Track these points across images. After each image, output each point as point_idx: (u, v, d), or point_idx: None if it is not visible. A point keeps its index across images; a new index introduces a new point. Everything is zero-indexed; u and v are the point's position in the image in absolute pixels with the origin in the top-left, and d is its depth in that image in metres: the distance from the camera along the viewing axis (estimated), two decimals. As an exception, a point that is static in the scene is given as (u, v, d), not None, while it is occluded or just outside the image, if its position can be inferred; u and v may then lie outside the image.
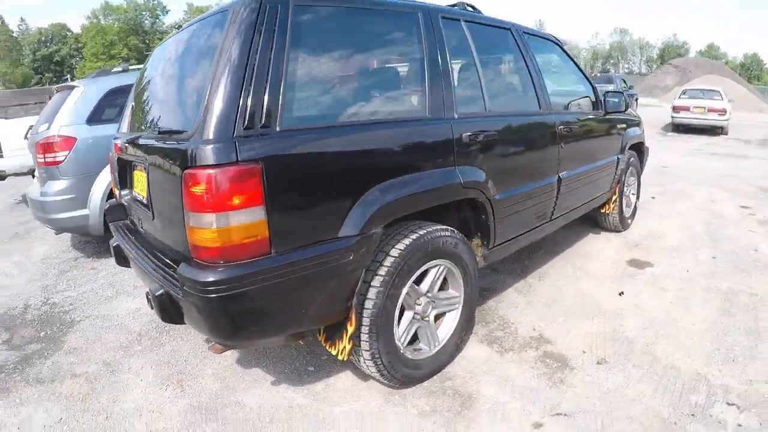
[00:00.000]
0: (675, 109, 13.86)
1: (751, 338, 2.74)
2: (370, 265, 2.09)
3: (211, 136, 1.66)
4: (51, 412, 2.36)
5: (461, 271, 2.49)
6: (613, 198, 4.23)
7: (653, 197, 5.96)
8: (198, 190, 1.66)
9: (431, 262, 2.33)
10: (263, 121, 1.73)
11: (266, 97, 1.74)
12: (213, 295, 1.67)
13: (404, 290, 2.21)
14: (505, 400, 2.30)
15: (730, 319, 2.95)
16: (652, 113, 18.68)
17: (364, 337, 2.10)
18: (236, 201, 1.65)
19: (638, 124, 4.63)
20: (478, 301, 3.27)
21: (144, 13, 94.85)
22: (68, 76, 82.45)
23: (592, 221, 4.54)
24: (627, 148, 4.23)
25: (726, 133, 13.31)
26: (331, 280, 1.94)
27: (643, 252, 4.10)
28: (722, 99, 13.57)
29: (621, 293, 3.34)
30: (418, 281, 2.34)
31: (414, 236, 2.21)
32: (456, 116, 2.40)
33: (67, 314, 3.41)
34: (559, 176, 3.15)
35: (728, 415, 2.14)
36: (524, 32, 3.18)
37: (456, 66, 2.52)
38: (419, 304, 2.35)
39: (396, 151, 2.15)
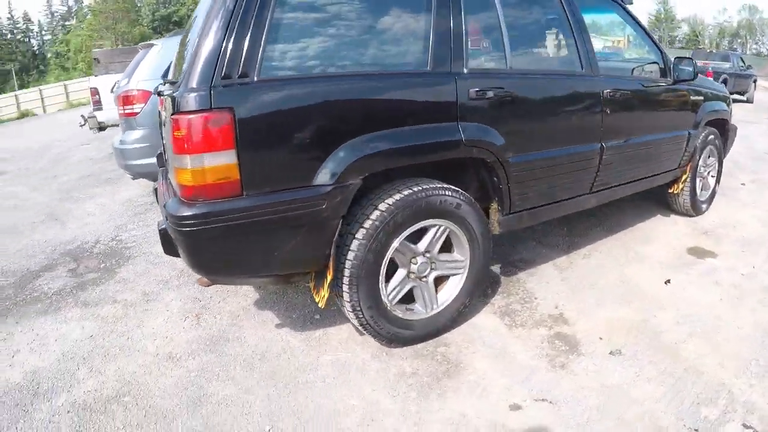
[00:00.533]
0: None
1: None
2: (358, 216, 2.12)
3: (193, 85, 1.78)
4: (85, 330, 2.69)
5: (466, 234, 2.41)
6: (684, 177, 3.77)
7: (743, 183, 5.23)
8: (179, 134, 1.79)
9: (427, 221, 2.28)
10: (241, 71, 1.81)
11: (245, 48, 1.82)
12: (186, 229, 1.83)
13: (392, 246, 2.19)
14: (493, 376, 2.21)
15: None
16: (768, 97, 16.35)
17: (345, 287, 2.13)
18: (209, 144, 1.76)
19: (723, 99, 4.07)
20: (510, 270, 3.18)
21: None
22: None
23: (662, 201, 4.10)
24: (704, 123, 3.73)
25: None
26: (303, 226, 1.98)
27: (711, 241, 3.64)
28: None
29: (667, 281, 3.02)
30: (416, 240, 2.30)
31: (406, 192, 2.17)
32: (465, 71, 2.28)
33: (128, 250, 3.81)
34: (602, 144, 2.86)
35: (739, 438, 1.84)
36: None
37: (473, 16, 2.37)
38: (415, 263, 2.32)
39: (382, 104, 2.11)
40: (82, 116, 7.43)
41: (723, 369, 2.23)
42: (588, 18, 2.93)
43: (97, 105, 7.17)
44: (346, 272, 2.10)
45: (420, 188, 2.20)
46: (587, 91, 2.77)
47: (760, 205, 4.48)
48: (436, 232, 2.33)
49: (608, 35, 6.96)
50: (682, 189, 3.82)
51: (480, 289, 2.66)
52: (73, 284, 3.28)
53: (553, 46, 2.87)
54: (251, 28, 1.83)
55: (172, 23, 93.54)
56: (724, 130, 4.18)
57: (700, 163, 3.90)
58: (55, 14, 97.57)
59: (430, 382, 2.17)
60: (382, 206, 2.12)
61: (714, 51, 17.59)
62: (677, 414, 1.97)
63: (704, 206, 4.10)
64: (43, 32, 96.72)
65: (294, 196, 1.92)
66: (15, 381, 2.30)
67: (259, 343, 2.47)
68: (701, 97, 3.67)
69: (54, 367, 2.38)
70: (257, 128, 1.83)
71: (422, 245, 2.32)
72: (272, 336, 2.52)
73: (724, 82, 13.50)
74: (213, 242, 1.88)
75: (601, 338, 2.48)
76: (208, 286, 2.31)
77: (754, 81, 15.81)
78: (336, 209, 2.01)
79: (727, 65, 14.45)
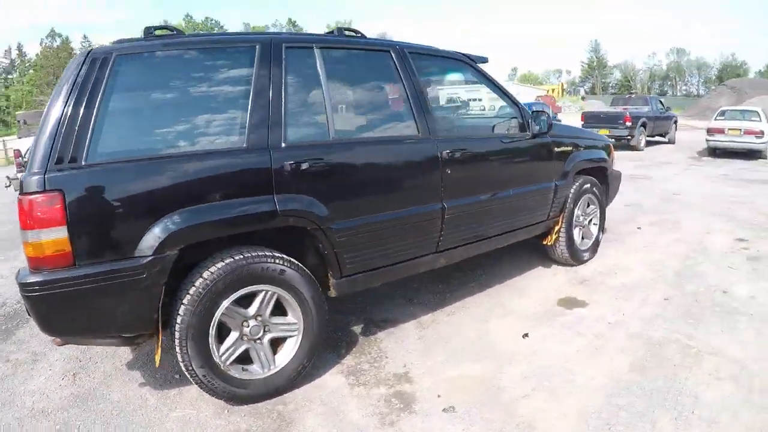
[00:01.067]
0: (709, 131, 12.54)
1: (650, 404, 2.36)
2: (185, 283, 2.25)
3: (33, 169, 2.00)
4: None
5: (295, 298, 2.46)
6: (557, 228, 3.91)
7: (639, 227, 5.47)
8: (22, 212, 1.98)
9: (252, 286, 2.34)
10: (71, 156, 2.02)
11: (74, 139, 2.03)
12: (29, 295, 2.03)
13: (219, 310, 2.27)
14: (318, 434, 2.18)
15: (639, 376, 2.59)
16: (695, 136, 17.21)
17: (177, 348, 2.24)
18: (44, 222, 1.98)
19: (602, 147, 4.30)
20: (371, 330, 3.18)
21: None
22: None
23: (543, 252, 4.23)
24: (574, 173, 3.91)
25: (765, 158, 12.02)
26: (128, 293, 2.11)
27: (586, 290, 3.74)
28: (761, 120, 12.24)
29: (525, 335, 3.07)
30: (247, 304, 2.37)
31: (228, 260, 2.27)
32: (283, 145, 2.40)
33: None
34: (443, 205, 2.95)
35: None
36: (414, 52, 3.04)
37: (296, 96, 2.53)
38: (247, 326, 2.38)
39: (197, 182, 2.22)
40: (7, 177, 7.30)
41: (559, 424, 2.24)
42: (440, 79, 3.06)
43: (20, 167, 7.12)
44: (176, 334, 2.21)
45: (241, 256, 2.29)
46: (422, 154, 2.87)
47: (652, 249, 4.66)
48: (264, 297, 2.39)
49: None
50: (556, 239, 3.95)
51: (317, 351, 2.63)
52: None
53: (385, 113, 3.01)
54: (80, 118, 2.06)
55: None
56: (604, 178, 4.38)
57: (577, 212, 4.05)
58: None
59: (259, 441, 2.14)
60: (206, 274, 2.22)
61: (634, 95, 18.55)
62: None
63: (586, 255, 4.23)
64: None
65: (118, 266, 2.07)
66: None
67: (120, 400, 2.59)
68: (569, 148, 3.86)
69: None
70: (83, 207, 2.03)
71: (252, 309, 2.39)
72: (133, 393, 2.64)
73: (643, 125, 14.28)
74: (53, 306, 2.06)
75: (439, 396, 2.49)
76: (62, 345, 2.48)
77: (675, 122, 16.70)
78: (156, 278, 2.12)
79: (646, 109, 15.22)
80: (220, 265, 2.24)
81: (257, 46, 2.45)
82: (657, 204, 6.76)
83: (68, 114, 2.04)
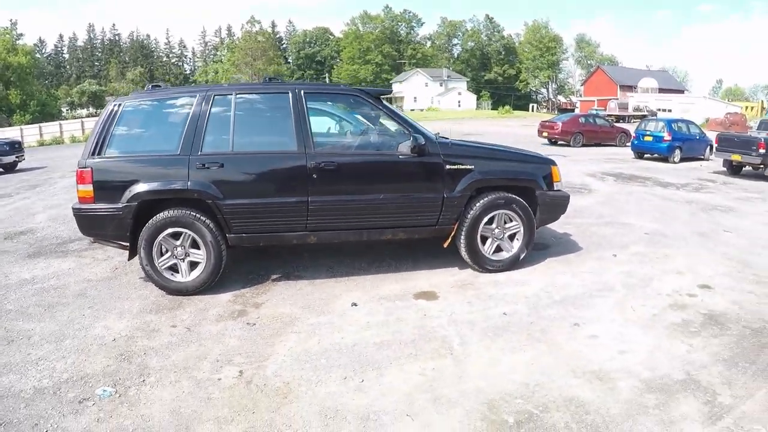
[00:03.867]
0: None
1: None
2: (146, 221, 4.49)
3: (82, 157, 4.43)
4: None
5: (202, 240, 4.49)
6: (451, 234, 4.91)
7: (614, 255, 5.70)
8: (76, 175, 4.47)
9: (178, 228, 4.48)
10: (97, 152, 4.41)
11: (99, 144, 4.43)
12: (75, 214, 4.57)
13: (159, 237, 4.46)
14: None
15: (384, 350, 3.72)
16: None
17: (139, 253, 4.54)
18: (83, 180, 4.41)
19: (529, 168, 5.17)
20: (277, 278, 5.03)
21: (400, 23, 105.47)
22: (327, 75, 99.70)
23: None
24: (473, 189, 4.83)
25: None
26: (114, 220, 4.47)
27: (456, 290, 4.67)
28: None
29: (354, 304, 4.41)
30: (177, 238, 4.53)
31: (165, 212, 4.45)
32: (199, 153, 4.40)
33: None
34: (308, 198, 4.50)
35: None
36: (310, 92, 4.69)
37: (213, 123, 4.50)
38: (176, 250, 4.55)
39: (151, 167, 4.46)
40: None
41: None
42: (337, 109, 4.74)
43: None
44: (139, 245, 4.47)
45: (174, 212, 4.44)
46: (294, 163, 4.52)
47: (579, 275, 5.11)
48: (184, 235, 4.51)
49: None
50: (450, 243, 4.96)
51: (218, 275, 4.64)
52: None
53: (276, 135, 4.68)
54: (103, 133, 4.45)
55: (315, 62, 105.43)
56: (530, 197, 5.06)
57: (488, 225, 4.94)
58: (208, 44, 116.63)
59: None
60: (153, 218, 4.44)
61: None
62: None
63: (496, 264, 5.03)
64: (196, 59, 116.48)
65: (111, 206, 4.42)
66: None
67: (121, 281, 5.13)
68: (467, 166, 4.79)
69: None
70: (100, 176, 4.41)
71: (178, 242, 4.54)
72: (128, 279, 5.10)
73: None
74: (83, 220, 4.53)
75: (257, 318, 4.21)
76: (93, 243, 5.27)
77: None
78: (127, 215, 4.39)
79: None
80: (162, 214, 4.41)
81: (197, 95, 4.53)
82: (683, 236, 6.59)
83: (98, 131, 4.43)
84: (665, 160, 17.14)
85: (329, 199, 4.62)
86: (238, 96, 4.65)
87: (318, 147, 4.60)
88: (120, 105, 4.54)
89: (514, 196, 5.01)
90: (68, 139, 38.75)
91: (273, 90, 4.83)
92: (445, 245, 5.08)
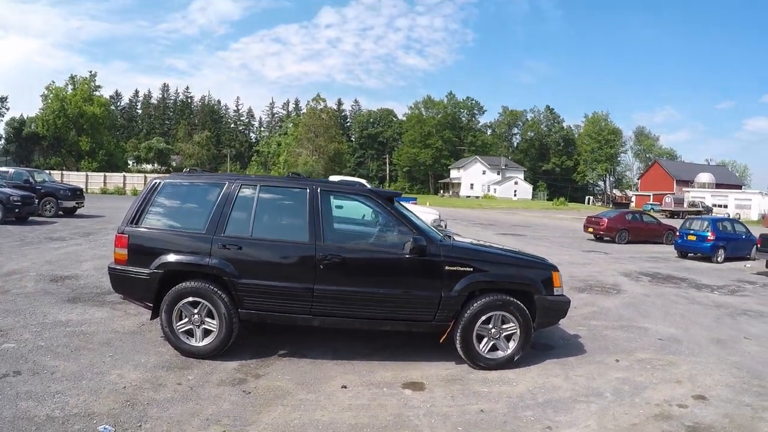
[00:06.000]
0: None
1: None
2: (168, 288, 5.26)
3: (122, 224, 5.41)
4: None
5: (216, 311, 5.18)
6: (447, 331, 5.31)
7: (617, 360, 5.88)
8: (115, 239, 5.44)
9: (196, 298, 5.21)
10: (135, 222, 5.35)
11: (137, 215, 5.38)
12: (110, 273, 5.50)
13: (179, 304, 5.20)
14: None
15: None
16: None
17: (160, 315, 5.30)
18: (119, 245, 5.36)
19: (529, 272, 5.58)
20: (282, 353, 5.56)
21: (462, 110, 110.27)
22: (387, 156, 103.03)
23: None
24: (470, 290, 5.26)
25: None
26: (143, 283, 5.29)
27: (444, 383, 5.01)
28: None
29: (344, 387, 4.85)
30: (195, 306, 5.25)
31: (186, 282, 5.21)
32: (222, 236, 5.20)
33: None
34: (314, 286, 5.11)
35: None
36: (326, 190, 5.46)
37: (237, 210, 5.31)
38: (194, 317, 5.26)
39: (179, 241, 5.31)
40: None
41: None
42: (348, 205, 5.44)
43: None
44: (161, 308, 5.21)
45: (194, 282, 5.19)
46: (304, 253, 5.20)
47: (572, 379, 5.31)
48: (201, 305, 5.22)
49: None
50: (445, 339, 5.35)
51: (228, 344, 5.27)
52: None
53: (291, 225, 5.45)
54: (141, 207, 5.37)
55: (377, 142, 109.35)
56: (530, 300, 5.44)
57: (485, 325, 5.33)
58: (275, 115, 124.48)
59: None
60: (176, 286, 5.20)
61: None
62: None
63: (489, 362, 5.35)
64: (261, 128, 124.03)
65: (140, 270, 5.24)
66: None
67: (145, 335, 5.86)
68: (466, 268, 5.28)
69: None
70: (134, 243, 5.30)
71: (196, 310, 5.26)
72: (152, 335, 5.69)
73: None
74: (116, 279, 5.44)
75: (251, 388, 4.75)
76: (123, 299, 5.92)
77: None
78: (154, 280, 5.19)
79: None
80: (183, 284, 5.17)
81: (226, 182, 5.41)
82: (698, 342, 6.69)
83: (139, 203, 5.34)
84: (708, 259, 17.03)
85: (333, 288, 5.23)
86: (262, 187, 5.52)
87: (327, 240, 5.28)
88: (161, 182, 5.51)
89: (511, 298, 5.42)
90: (130, 191, 41.99)
91: (293, 185, 5.68)
92: (441, 341, 5.49)
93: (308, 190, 5.44)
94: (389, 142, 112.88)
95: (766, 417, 4.70)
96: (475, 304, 5.35)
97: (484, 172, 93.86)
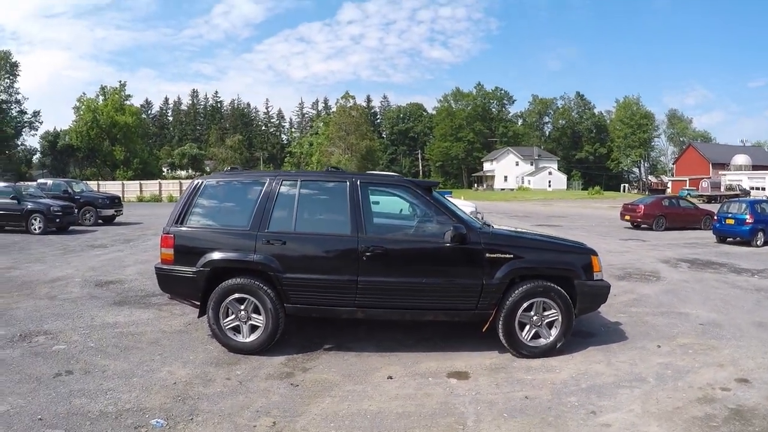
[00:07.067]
0: None
1: None
2: (215, 286, 5.42)
3: (167, 225, 5.61)
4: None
5: (263, 307, 5.35)
6: (490, 319, 5.36)
7: (659, 346, 5.82)
8: (161, 239, 5.66)
9: (243, 294, 5.38)
10: (180, 221, 5.55)
11: (183, 215, 5.56)
12: (157, 273, 5.73)
13: (225, 301, 5.38)
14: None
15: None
16: None
17: (207, 313, 5.46)
18: (166, 245, 5.57)
19: (567, 257, 5.63)
20: (328, 347, 5.66)
21: (492, 101, 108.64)
22: (419, 151, 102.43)
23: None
24: (512, 276, 5.29)
25: None
26: (189, 281, 5.46)
27: (488, 372, 5.07)
28: None
29: (390, 377, 4.95)
30: (241, 303, 5.42)
31: (234, 279, 5.38)
32: (266, 231, 5.36)
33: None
34: (358, 278, 5.22)
35: None
36: (365, 183, 5.54)
37: (280, 205, 5.44)
38: (241, 313, 5.42)
39: (223, 239, 5.48)
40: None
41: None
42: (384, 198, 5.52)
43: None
44: (208, 305, 5.39)
45: (240, 279, 5.36)
46: (347, 245, 5.31)
47: (614, 365, 5.29)
48: (248, 301, 5.39)
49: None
50: (488, 328, 5.40)
51: (275, 340, 5.43)
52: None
53: (332, 217, 5.54)
54: (186, 206, 5.58)
55: (408, 138, 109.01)
56: (571, 286, 5.43)
57: (527, 312, 5.35)
58: (305, 115, 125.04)
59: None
60: (223, 283, 5.38)
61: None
62: None
63: (534, 350, 5.37)
64: (292, 130, 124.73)
65: (187, 269, 5.45)
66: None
67: (192, 335, 6.06)
68: (507, 255, 5.31)
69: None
70: (180, 242, 5.53)
71: (242, 306, 5.43)
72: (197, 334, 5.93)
73: None
74: (163, 279, 5.67)
75: (297, 381, 4.85)
76: (171, 299, 6.13)
77: None
78: (201, 278, 5.38)
79: None
80: (230, 281, 5.35)
81: (267, 179, 5.56)
82: (739, 326, 6.58)
83: (183, 203, 5.56)
84: (747, 243, 16.56)
85: (377, 279, 5.33)
86: (302, 182, 5.67)
87: (369, 232, 5.38)
88: (203, 182, 5.72)
89: (552, 284, 5.43)
90: (166, 197, 43.02)
91: (333, 178, 5.81)
92: (484, 330, 5.55)
93: (348, 183, 5.57)
94: (420, 137, 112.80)
95: (811, 398, 4.59)
96: (516, 292, 5.39)
97: (517, 164, 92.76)
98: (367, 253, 5.27)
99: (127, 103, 68.57)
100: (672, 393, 4.72)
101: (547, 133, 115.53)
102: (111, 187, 42.25)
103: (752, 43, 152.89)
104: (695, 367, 5.37)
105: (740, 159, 67.92)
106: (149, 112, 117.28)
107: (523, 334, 5.49)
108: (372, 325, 6.40)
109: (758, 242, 16.45)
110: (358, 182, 5.57)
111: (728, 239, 17.47)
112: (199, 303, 5.50)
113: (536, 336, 5.55)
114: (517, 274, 5.42)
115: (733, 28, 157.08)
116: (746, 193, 48.86)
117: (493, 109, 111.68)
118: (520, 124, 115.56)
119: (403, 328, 6.33)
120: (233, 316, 5.40)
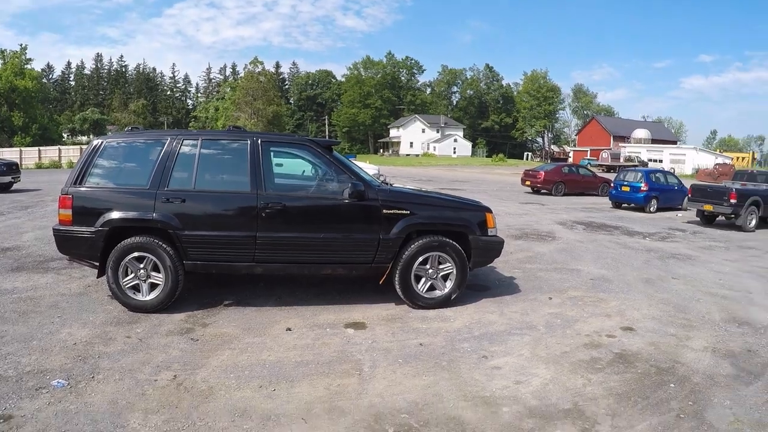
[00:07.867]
0: None
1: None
2: (114, 245, 5.36)
3: (65, 185, 5.41)
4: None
5: (162, 264, 5.37)
6: (386, 272, 5.69)
7: (550, 298, 6.34)
8: (59, 200, 5.44)
9: (142, 252, 5.37)
10: (78, 182, 5.37)
11: (81, 175, 5.39)
12: (54, 234, 5.54)
13: (125, 260, 5.35)
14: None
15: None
16: None
17: (106, 273, 5.41)
18: (64, 205, 5.38)
19: (463, 213, 5.97)
20: (227, 303, 5.76)
21: (401, 70, 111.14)
22: (326, 117, 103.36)
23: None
24: (408, 231, 5.61)
25: None
26: (88, 242, 5.34)
27: (384, 322, 5.41)
28: None
29: (288, 329, 5.18)
30: (140, 261, 5.41)
31: (132, 238, 5.35)
32: (166, 189, 5.35)
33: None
34: (256, 234, 5.37)
35: None
36: (266, 141, 5.61)
37: (180, 164, 5.42)
38: (140, 272, 5.42)
39: (121, 198, 5.41)
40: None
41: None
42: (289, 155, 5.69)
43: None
44: (107, 265, 5.34)
45: (139, 238, 5.34)
46: (246, 202, 5.41)
47: (506, 315, 5.78)
48: (147, 259, 5.40)
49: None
50: (384, 281, 5.74)
51: (175, 296, 5.48)
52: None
53: (233, 176, 5.61)
54: (84, 167, 5.41)
55: (316, 104, 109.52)
56: (464, 240, 5.86)
57: (421, 266, 5.72)
58: (212, 81, 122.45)
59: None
60: (121, 242, 5.33)
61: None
62: None
63: (429, 302, 5.80)
64: (199, 95, 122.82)
65: (86, 229, 5.33)
66: None
67: (91, 296, 5.97)
68: (403, 211, 5.62)
69: None
70: (78, 203, 5.38)
71: (141, 265, 5.43)
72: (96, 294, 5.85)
73: (755, 204, 13.87)
74: (61, 240, 5.49)
75: (197, 337, 4.94)
76: (69, 261, 5.95)
77: None
78: (99, 238, 5.29)
79: (765, 186, 15.60)
80: (129, 240, 5.32)
81: (168, 138, 5.51)
82: (627, 282, 7.27)
83: (82, 163, 5.41)
84: (642, 209, 18.01)
85: (275, 235, 5.49)
86: (203, 140, 5.66)
87: (269, 189, 5.49)
88: (102, 142, 5.57)
89: (447, 239, 5.83)
90: (66, 164, 40.26)
91: (234, 137, 5.81)
92: (381, 282, 5.89)
93: (249, 142, 5.62)
94: (329, 103, 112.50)
95: (689, 345, 5.23)
96: (412, 246, 5.73)
97: (423, 131, 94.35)
98: (267, 210, 5.41)
99: (28, 67, 62.48)
100: (560, 339, 5.24)
101: (454, 102, 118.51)
102: (8, 155, 38.93)
103: (660, 25, 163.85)
104: (584, 317, 5.95)
105: (640, 133, 72.86)
106: (50, 76, 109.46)
107: (419, 286, 5.89)
108: (272, 281, 6.59)
109: (651, 208, 17.95)
110: (259, 141, 5.64)
111: (623, 205, 18.92)
112: (98, 263, 5.42)
113: (432, 288, 5.96)
114: (413, 230, 5.76)
115: (644, 12, 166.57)
116: (644, 164, 52.74)
117: (403, 78, 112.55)
118: (428, 93, 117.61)
119: (304, 284, 6.57)
120: (132, 275, 5.39)
